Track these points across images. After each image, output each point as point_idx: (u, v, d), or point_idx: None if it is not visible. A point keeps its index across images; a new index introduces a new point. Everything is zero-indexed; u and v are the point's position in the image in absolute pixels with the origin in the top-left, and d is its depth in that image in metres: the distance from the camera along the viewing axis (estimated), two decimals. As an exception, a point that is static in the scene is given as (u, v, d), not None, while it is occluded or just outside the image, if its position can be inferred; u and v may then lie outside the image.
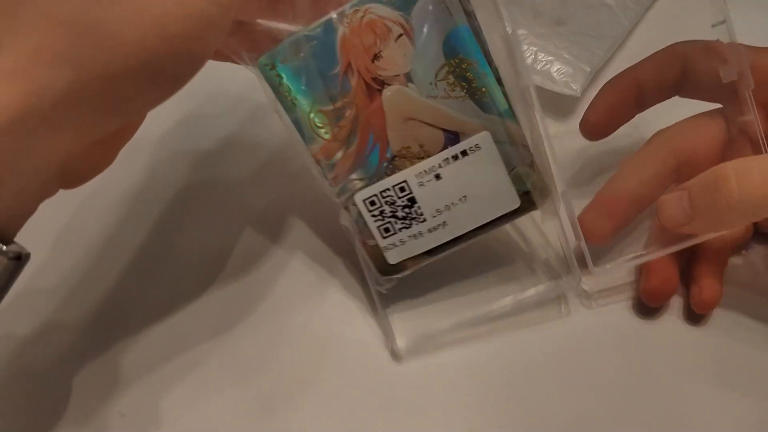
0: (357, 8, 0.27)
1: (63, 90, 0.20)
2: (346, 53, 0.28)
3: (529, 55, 0.38)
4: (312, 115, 0.29)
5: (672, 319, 0.32)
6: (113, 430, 0.29)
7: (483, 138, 0.28)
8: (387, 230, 0.30)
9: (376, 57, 0.28)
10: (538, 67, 0.38)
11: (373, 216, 0.29)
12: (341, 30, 0.28)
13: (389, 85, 0.28)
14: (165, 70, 0.21)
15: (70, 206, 0.36)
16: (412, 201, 0.29)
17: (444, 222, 0.29)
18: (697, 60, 0.31)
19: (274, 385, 0.30)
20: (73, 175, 0.24)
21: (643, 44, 0.35)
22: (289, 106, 0.28)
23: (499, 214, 0.29)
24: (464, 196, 0.29)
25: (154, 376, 0.31)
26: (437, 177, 0.29)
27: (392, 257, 0.30)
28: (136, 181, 0.37)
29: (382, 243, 0.30)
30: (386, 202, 0.29)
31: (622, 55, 0.41)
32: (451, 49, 0.28)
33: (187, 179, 0.37)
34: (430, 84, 0.28)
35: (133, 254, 0.34)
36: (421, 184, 0.29)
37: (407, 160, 0.29)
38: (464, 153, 0.29)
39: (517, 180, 0.29)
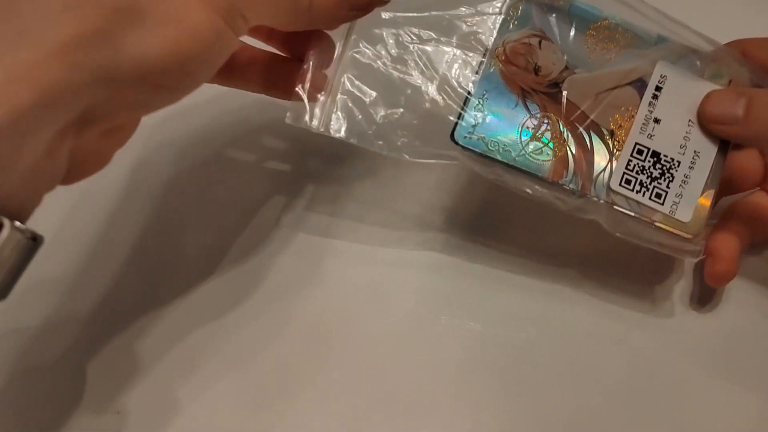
0: (496, 47, 0.29)
1: (72, 86, 0.20)
2: (512, 83, 0.29)
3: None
4: (526, 149, 0.29)
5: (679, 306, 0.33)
6: (110, 428, 0.29)
7: (662, 67, 0.29)
8: (659, 195, 0.29)
9: (536, 69, 0.29)
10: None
11: (638, 192, 0.29)
12: (496, 69, 0.29)
13: (561, 82, 0.29)
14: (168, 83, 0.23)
15: (69, 200, 0.34)
16: (656, 155, 0.29)
17: (695, 152, 0.29)
18: None
19: (272, 379, 0.30)
20: (71, 172, 0.24)
21: None
22: (504, 155, 0.28)
23: None
24: (689, 120, 0.29)
25: (150, 373, 0.30)
26: (656, 121, 0.29)
27: (682, 214, 0.29)
28: (133, 173, 0.35)
29: (665, 209, 0.29)
30: (637, 171, 0.29)
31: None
32: (581, 23, 0.30)
33: (183, 170, 0.36)
34: (589, 59, 0.29)
35: (129, 250, 0.33)
36: (650, 136, 0.29)
37: (622, 127, 0.29)
38: (658, 89, 0.29)
39: (714, 78, 0.30)
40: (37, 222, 0.22)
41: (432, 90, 0.30)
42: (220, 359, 0.31)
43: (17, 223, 0.21)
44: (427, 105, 0.30)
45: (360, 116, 0.30)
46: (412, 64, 0.30)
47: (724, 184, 0.30)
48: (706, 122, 0.29)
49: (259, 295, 0.32)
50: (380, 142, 0.30)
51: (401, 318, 0.32)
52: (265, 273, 0.33)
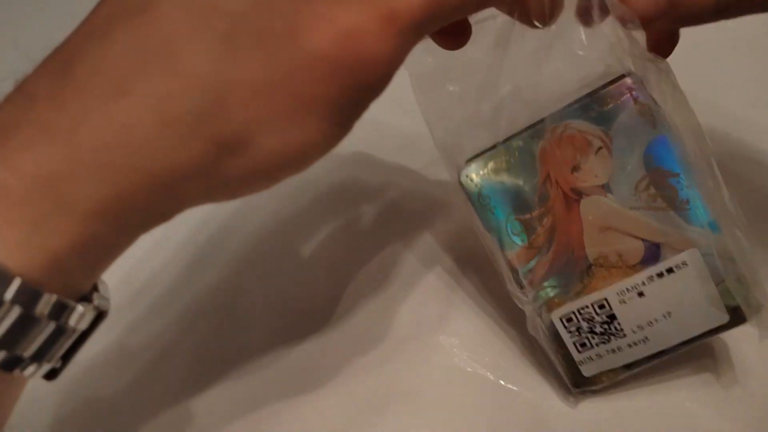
0: (556, 124, 0.27)
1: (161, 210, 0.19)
2: (545, 164, 0.27)
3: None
4: (508, 222, 0.28)
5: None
6: (107, 429, 0.29)
7: (691, 255, 0.27)
8: (583, 345, 0.28)
9: (575, 168, 0.27)
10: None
11: (569, 332, 0.28)
12: (541, 143, 0.27)
13: (587, 195, 0.27)
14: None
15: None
16: (612, 318, 0.28)
17: (645, 338, 0.28)
18: None
19: (270, 380, 0.31)
20: None
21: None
22: (487, 215, 0.28)
23: (705, 330, 0.28)
24: (668, 312, 0.27)
25: (149, 374, 0.31)
26: (640, 294, 0.27)
27: (587, 370, 0.29)
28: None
29: (578, 357, 0.28)
30: (584, 318, 0.28)
31: None
32: (651, 160, 0.26)
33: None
34: (631, 195, 0.27)
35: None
36: (622, 302, 0.28)
37: (604, 269, 0.28)
38: (670, 270, 0.27)
39: (725, 294, 0.27)
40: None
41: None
42: (219, 361, 0.31)
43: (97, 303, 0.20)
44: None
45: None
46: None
47: None
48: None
49: (257, 298, 0.33)
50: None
51: (399, 322, 0.32)
52: (265, 276, 0.34)
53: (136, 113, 0.18)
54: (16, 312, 0.18)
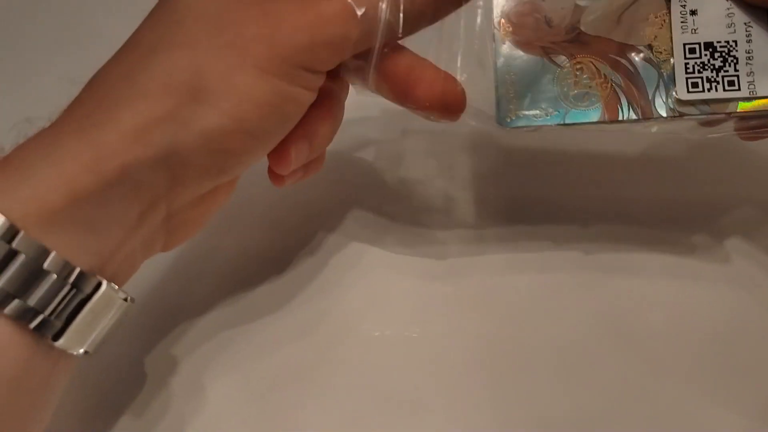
0: (499, 20, 0.28)
1: (148, 161, 0.23)
2: (531, 47, 0.28)
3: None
4: (570, 102, 0.27)
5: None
6: (107, 423, 0.29)
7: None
8: (731, 83, 0.26)
9: (548, 23, 0.28)
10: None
11: (709, 90, 0.26)
12: (509, 42, 0.28)
13: (578, 22, 0.28)
14: (234, 147, 0.24)
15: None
16: (709, 46, 0.27)
17: (745, 23, 0.26)
18: None
19: (272, 379, 0.30)
20: (170, 239, 0.26)
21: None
22: (553, 118, 0.27)
23: None
24: None
25: (147, 369, 0.30)
26: (693, 13, 0.27)
27: (763, 89, 0.26)
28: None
29: (744, 93, 0.26)
30: (698, 71, 0.27)
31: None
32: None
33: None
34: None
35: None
36: (694, 31, 0.27)
37: (659, 37, 0.27)
38: None
39: None
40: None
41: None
42: (222, 359, 0.31)
43: (113, 285, 0.24)
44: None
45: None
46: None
47: None
48: None
49: (258, 296, 0.32)
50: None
51: (402, 318, 0.32)
52: (265, 273, 0.33)
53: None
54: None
